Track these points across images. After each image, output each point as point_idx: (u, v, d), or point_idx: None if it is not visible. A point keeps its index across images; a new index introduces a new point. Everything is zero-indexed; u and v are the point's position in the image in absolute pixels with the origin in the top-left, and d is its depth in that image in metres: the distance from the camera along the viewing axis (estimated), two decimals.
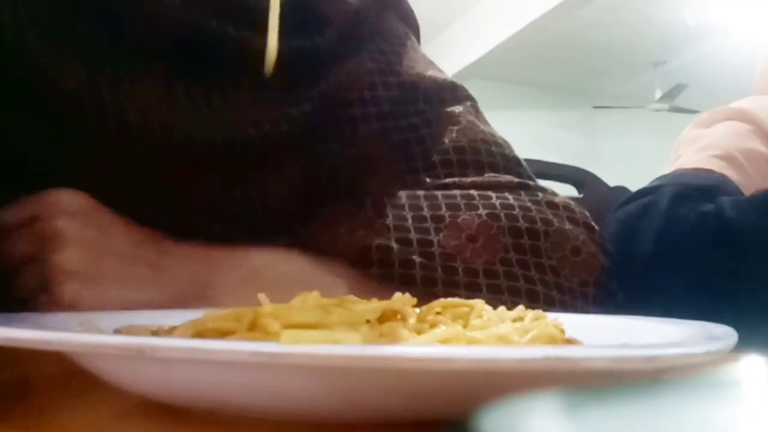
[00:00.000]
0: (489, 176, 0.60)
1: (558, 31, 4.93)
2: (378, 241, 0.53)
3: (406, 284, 0.51)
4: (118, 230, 0.50)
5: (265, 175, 0.58)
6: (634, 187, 1.04)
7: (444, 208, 0.56)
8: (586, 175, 1.08)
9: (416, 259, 0.52)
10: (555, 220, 0.57)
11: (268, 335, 0.27)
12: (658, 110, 6.19)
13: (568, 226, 0.57)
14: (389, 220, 0.55)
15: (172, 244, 0.51)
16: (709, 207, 0.61)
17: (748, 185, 0.70)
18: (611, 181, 1.12)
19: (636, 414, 0.13)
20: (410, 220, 0.55)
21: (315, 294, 0.31)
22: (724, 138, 0.75)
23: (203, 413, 0.26)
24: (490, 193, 0.57)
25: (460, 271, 0.53)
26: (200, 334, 0.30)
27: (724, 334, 0.27)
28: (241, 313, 0.30)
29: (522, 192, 0.59)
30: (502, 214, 0.55)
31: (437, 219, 0.55)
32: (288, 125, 0.58)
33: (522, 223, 0.55)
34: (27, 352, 0.24)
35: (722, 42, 5.31)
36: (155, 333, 0.33)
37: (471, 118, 0.64)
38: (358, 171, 0.61)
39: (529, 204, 0.57)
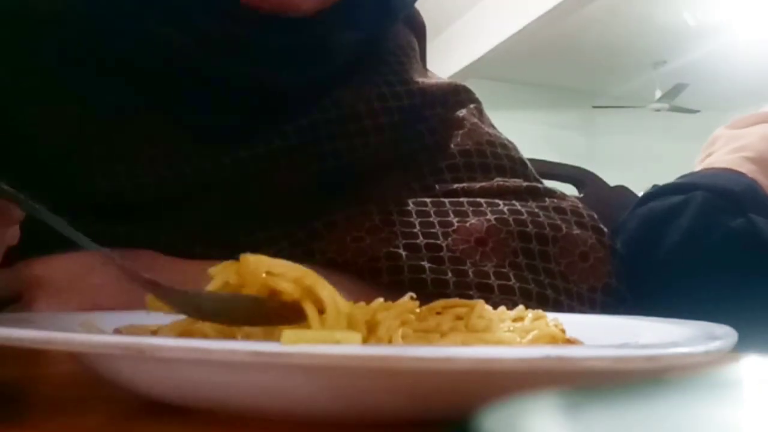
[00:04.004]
0: (497, 181, 0.60)
1: (558, 31, 4.92)
2: (386, 249, 0.52)
3: (416, 289, 0.50)
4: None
5: (270, 191, 0.56)
6: (634, 186, 1.04)
7: (452, 214, 0.55)
8: (587, 175, 1.08)
9: (425, 264, 0.52)
10: (563, 226, 0.57)
11: (269, 334, 0.27)
12: (658, 110, 6.19)
13: (576, 230, 0.57)
14: (396, 228, 0.54)
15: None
16: (737, 222, 0.61)
17: None
18: (611, 181, 1.12)
19: (636, 414, 0.13)
20: (418, 227, 0.54)
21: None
22: (760, 141, 0.74)
23: (203, 413, 0.26)
24: (497, 200, 0.57)
25: (471, 273, 0.52)
26: (188, 333, 0.30)
27: (724, 334, 0.27)
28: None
29: (530, 198, 0.59)
30: (510, 219, 0.55)
31: (445, 224, 0.54)
32: (281, 142, 0.56)
33: (531, 228, 0.55)
34: (27, 352, 0.24)
35: (723, 42, 5.31)
36: (156, 333, 0.33)
37: (475, 120, 0.64)
38: (366, 180, 0.59)
39: (537, 210, 0.57)
